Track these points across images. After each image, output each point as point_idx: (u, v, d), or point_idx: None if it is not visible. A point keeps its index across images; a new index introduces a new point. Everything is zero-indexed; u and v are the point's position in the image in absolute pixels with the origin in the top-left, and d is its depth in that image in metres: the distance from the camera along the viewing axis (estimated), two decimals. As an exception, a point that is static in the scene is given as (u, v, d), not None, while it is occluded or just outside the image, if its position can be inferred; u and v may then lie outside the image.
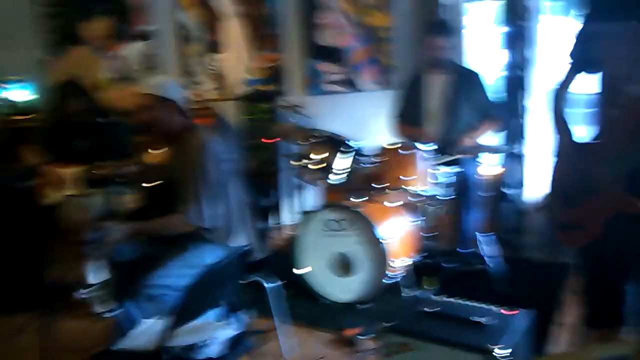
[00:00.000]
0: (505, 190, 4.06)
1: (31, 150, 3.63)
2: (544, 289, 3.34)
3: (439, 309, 2.08)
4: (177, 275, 2.54)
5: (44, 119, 3.85)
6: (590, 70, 1.96)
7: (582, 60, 1.99)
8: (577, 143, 1.93)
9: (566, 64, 2.10)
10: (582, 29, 1.98)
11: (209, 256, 2.64)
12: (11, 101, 4.67)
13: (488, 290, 3.27)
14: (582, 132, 2.11)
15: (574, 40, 2.04)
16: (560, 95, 2.11)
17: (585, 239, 1.82)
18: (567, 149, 1.94)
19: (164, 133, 2.79)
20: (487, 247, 3.44)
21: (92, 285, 3.55)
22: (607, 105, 1.86)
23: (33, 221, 3.61)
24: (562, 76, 2.11)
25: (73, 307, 3.54)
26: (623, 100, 1.75)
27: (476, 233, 3.52)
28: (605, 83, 1.87)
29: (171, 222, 2.68)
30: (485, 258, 3.41)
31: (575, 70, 2.03)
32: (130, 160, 3.38)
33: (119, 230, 2.58)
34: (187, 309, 1.95)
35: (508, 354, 1.87)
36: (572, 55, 2.05)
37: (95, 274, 3.57)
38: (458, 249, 3.60)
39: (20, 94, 4.67)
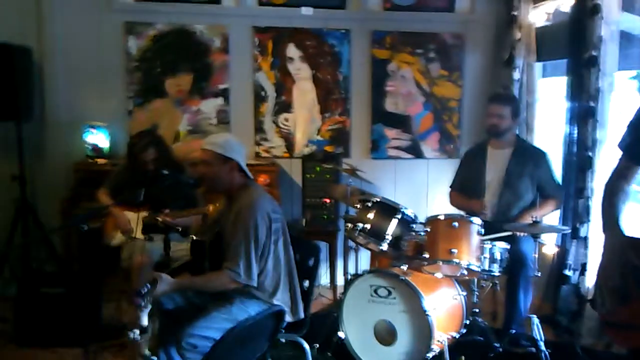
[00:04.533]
0: (566, 273, 3.89)
1: (105, 193, 3.87)
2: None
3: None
4: (220, 328, 2.59)
5: (119, 164, 4.10)
6: None
7: (633, 150, 1.91)
8: (629, 238, 1.81)
9: (618, 153, 2.02)
10: (635, 116, 1.91)
11: (253, 312, 2.69)
12: (96, 145, 4.98)
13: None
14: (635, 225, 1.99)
15: (625, 129, 1.97)
16: (611, 187, 2.01)
17: (636, 340, 1.71)
18: (616, 245, 1.83)
19: (220, 189, 2.92)
20: (539, 330, 3.29)
21: (143, 328, 3.67)
22: None
23: (96, 260, 3.81)
24: (615, 166, 2.03)
25: (123, 347, 3.68)
26: None
27: (529, 314, 3.38)
28: None
29: (218, 278, 2.73)
30: (536, 341, 3.26)
31: (627, 160, 1.95)
32: (193, 211, 3.53)
33: (167, 283, 2.64)
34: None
35: None
36: (622, 144, 1.98)
37: (147, 318, 3.71)
38: (508, 329, 3.47)
39: (105, 139, 4.99)
